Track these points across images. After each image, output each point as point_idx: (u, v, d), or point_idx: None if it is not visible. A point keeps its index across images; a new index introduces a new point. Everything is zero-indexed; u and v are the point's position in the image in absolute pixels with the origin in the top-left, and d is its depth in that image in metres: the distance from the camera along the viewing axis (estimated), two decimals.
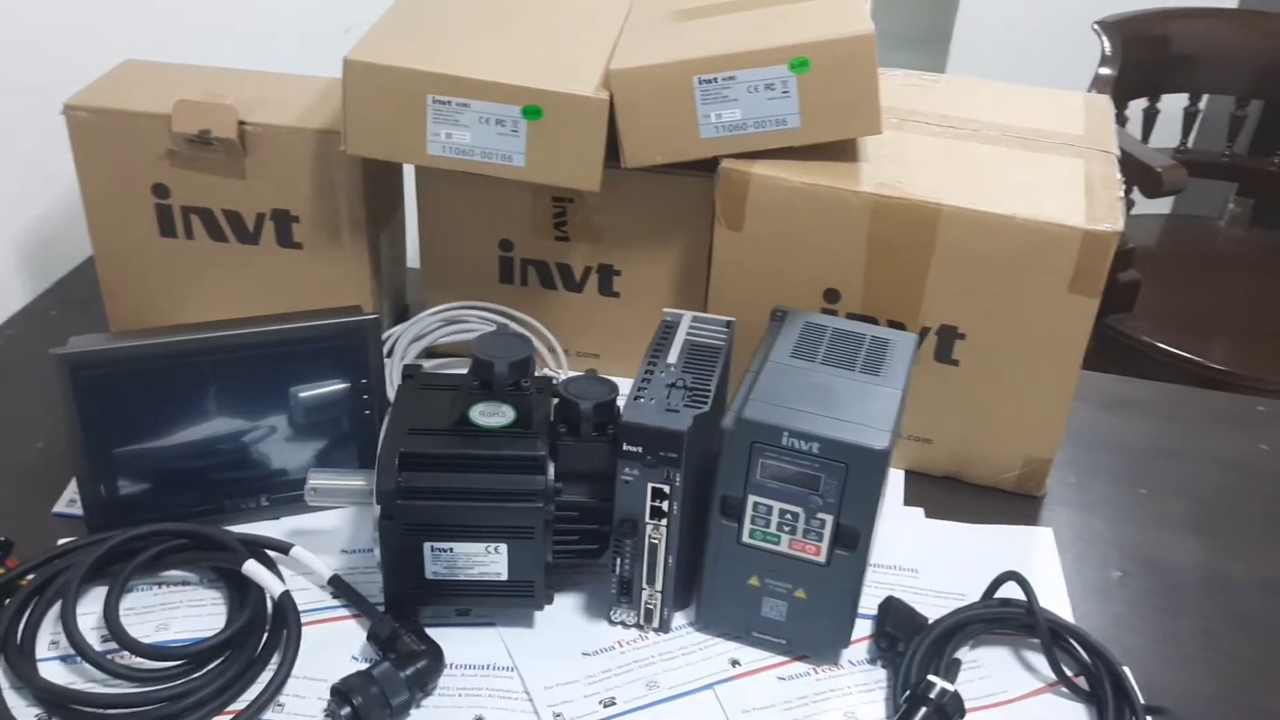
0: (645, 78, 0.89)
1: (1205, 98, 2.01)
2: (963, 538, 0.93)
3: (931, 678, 0.74)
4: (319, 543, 0.88)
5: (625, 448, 0.76)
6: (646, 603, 0.82)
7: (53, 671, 0.77)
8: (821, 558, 0.77)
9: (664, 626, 0.83)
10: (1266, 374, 1.69)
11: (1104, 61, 1.86)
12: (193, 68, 1.08)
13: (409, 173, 1.06)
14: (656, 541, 0.79)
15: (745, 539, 0.78)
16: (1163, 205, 2.23)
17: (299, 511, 0.91)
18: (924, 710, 0.72)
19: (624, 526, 0.79)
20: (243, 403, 0.88)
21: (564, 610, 0.85)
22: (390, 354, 1.03)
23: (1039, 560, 0.90)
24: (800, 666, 0.81)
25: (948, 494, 0.97)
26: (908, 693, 0.75)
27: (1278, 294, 1.93)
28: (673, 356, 0.82)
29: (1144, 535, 0.95)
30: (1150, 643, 0.84)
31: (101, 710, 0.75)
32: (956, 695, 0.73)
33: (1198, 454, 1.05)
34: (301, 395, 0.89)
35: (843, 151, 0.93)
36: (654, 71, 0.89)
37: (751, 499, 0.76)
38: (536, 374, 0.81)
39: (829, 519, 0.75)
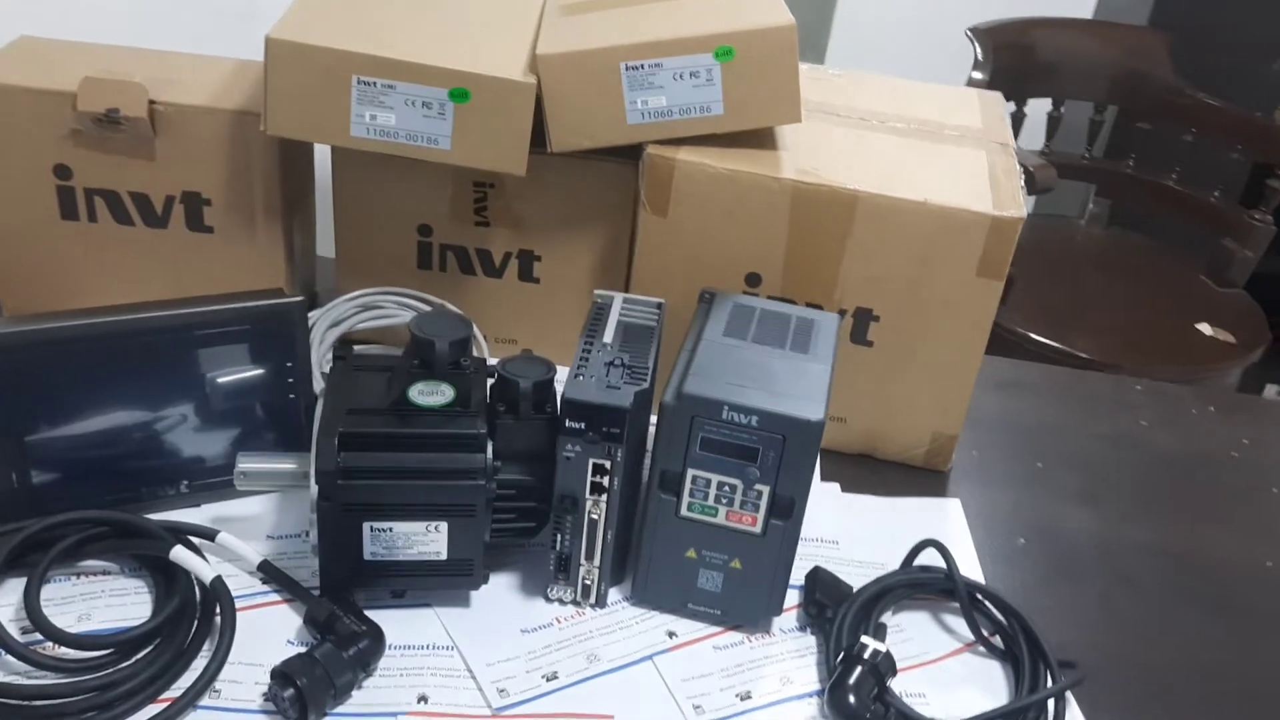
0: (573, 63, 0.90)
1: (1066, 103, 2.12)
2: (878, 510, 0.97)
3: (865, 639, 0.77)
4: (244, 529, 0.87)
5: (568, 424, 0.77)
6: (584, 579, 0.83)
7: None
8: (758, 528, 0.79)
9: (600, 602, 0.84)
10: (1124, 361, 1.80)
11: (976, 66, 1.95)
12: (92, 45, 1.04)
13: (320, 158, 1.04)
14: (596, 517, 0.80)
15: (683, 512, 0.80)
16: (1026, 205, 2.35)
17: (221, 498, 0.90)
18: (859, 670, 0.75)
19: (564, 503, 0.80)
20: (161, 387, 0.85)
21: (499, 590, 0.85)
22: None
23: (950, 530, 0.95)
24: (735, 636, 0.84)
25: (861, 470, 1.01)
26: (841, 654, 0.78)
27: (1133, 289, 2.06)
28: (608, 336, 0.83)
29: (1043, 506, 1.01)
30: (1053, 604, 0.90)
31: (26, 703, 0.72)
32: (888, 654, 0.76)
33: (1085, 430, 1.12)
34: (223, 380, 0.87)
35: (763, 140, 0.96)
36: (582, 57, 0.90)
37: (691, 472, 0.78)
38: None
39: (766, 490, 0.78)
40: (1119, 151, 2.23)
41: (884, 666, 0.76)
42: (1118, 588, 0.93)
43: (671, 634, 0.83)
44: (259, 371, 0.88)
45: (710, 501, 0.79)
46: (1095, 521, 1.00)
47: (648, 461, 0.82)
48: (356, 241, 1.06)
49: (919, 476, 1.02)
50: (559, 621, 0.83)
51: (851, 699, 0.73)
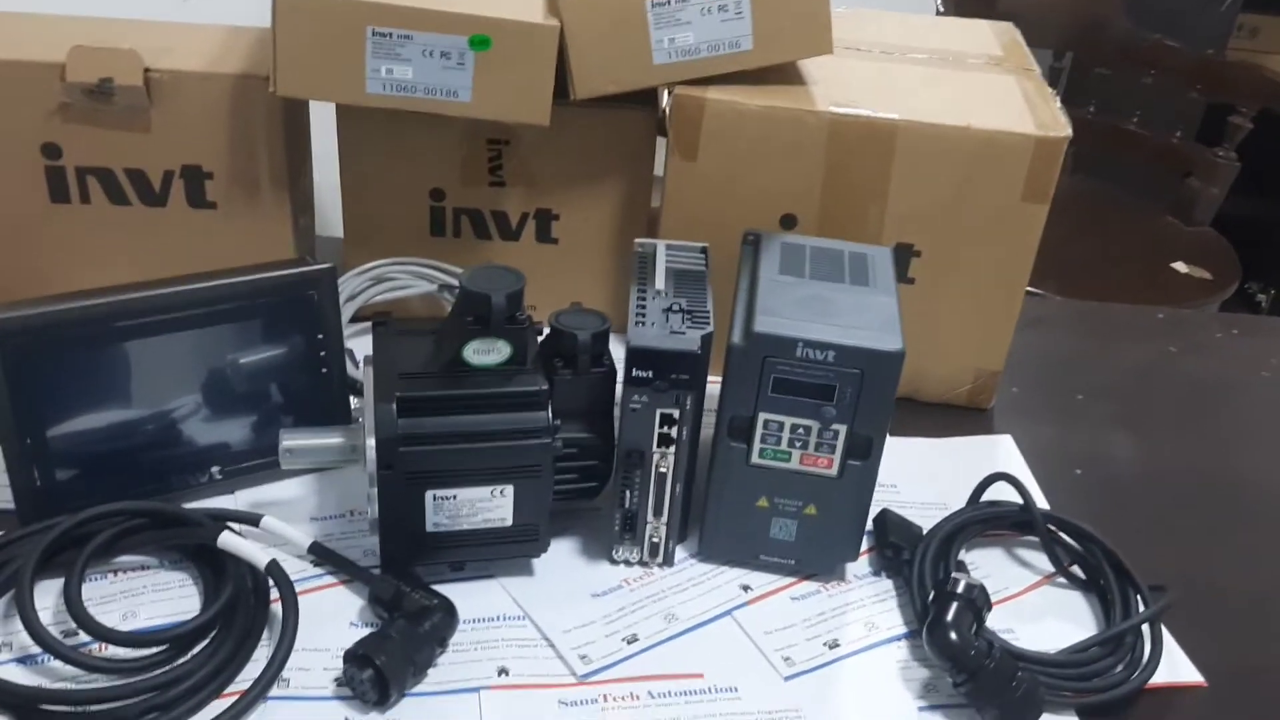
0: (597, 3, 0.87)
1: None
2: (931, 451, 0.95)
3: (956, 575, 0.75)
4: (285, 513, 0.82)
5: (634, 373, 0.74)
6: (651, 536, 0.80)
7: (11, 675, 0.69)
8: (834, 470, 0.76)
9: (668, 560, 0.81)
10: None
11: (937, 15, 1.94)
12: (69, 17, 0.98)
13: (320, 122, 0.99)
14: (665, 470, 0.77)
15: (755, 460, 0.77)
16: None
17: (256, 483, 0.85)
18: (955, 605, 0.72)
19: (631, 458, 0.76)
20: (185, 369, 0.80)
21: (561, 556, 0.81)
22: None
23: (1006, 465, 0.93)
24: (810, 585, 0.81)
25: (903, 414, 0.98)
26: (932, 593, 0.75)
27: (1103, 234, 2.07)
28: (660, 283, 0.80)
29: (1090, 437, 0.99)
30: (1118, 532, 0.88)
31: (80, 708, 0.67)
32: (983, 588, 0.74)
33: (1116, 361, 1.11)
34: (250, 358, 0.83)
35: (789, 76, 0.93)
36: None
37: (763, 417, 0.75)
38: None
39: (843, 429, 0.75)
40: (1079, 98, 2.23)
41: (980, 600, 0.73)
42: (1177, 513, 0.92)
43: (746, 587, 0.80)
44: (288, 347, 0.84)
45: (783, 446, 0.76)
46: (1143, 449, 0.98)
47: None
48: (365, 211, 1.01)
49: (962, 416, 1.00)
50: (628, 583, 0.80)
51: (953, 635, 0.71)
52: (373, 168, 0.99)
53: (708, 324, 0.75)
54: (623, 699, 0.71)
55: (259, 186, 0.96)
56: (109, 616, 0.73)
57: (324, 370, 0.85)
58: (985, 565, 0.84)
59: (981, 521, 0.84)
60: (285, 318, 0.82)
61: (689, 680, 0.73)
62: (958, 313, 0.95)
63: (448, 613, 0.73)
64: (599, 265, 1.03)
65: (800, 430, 0.75)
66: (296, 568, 0.78)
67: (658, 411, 0.75)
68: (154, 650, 0.70)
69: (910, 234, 0.93)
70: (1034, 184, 0.89)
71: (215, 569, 0.76)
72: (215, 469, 0.83)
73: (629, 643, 0.75)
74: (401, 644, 0.69)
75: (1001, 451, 0.96)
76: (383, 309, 1.00)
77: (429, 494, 0.74)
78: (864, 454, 0.76)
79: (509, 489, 0.75)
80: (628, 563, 0.81)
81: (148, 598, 0.75)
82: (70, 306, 0.76)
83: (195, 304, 0.79)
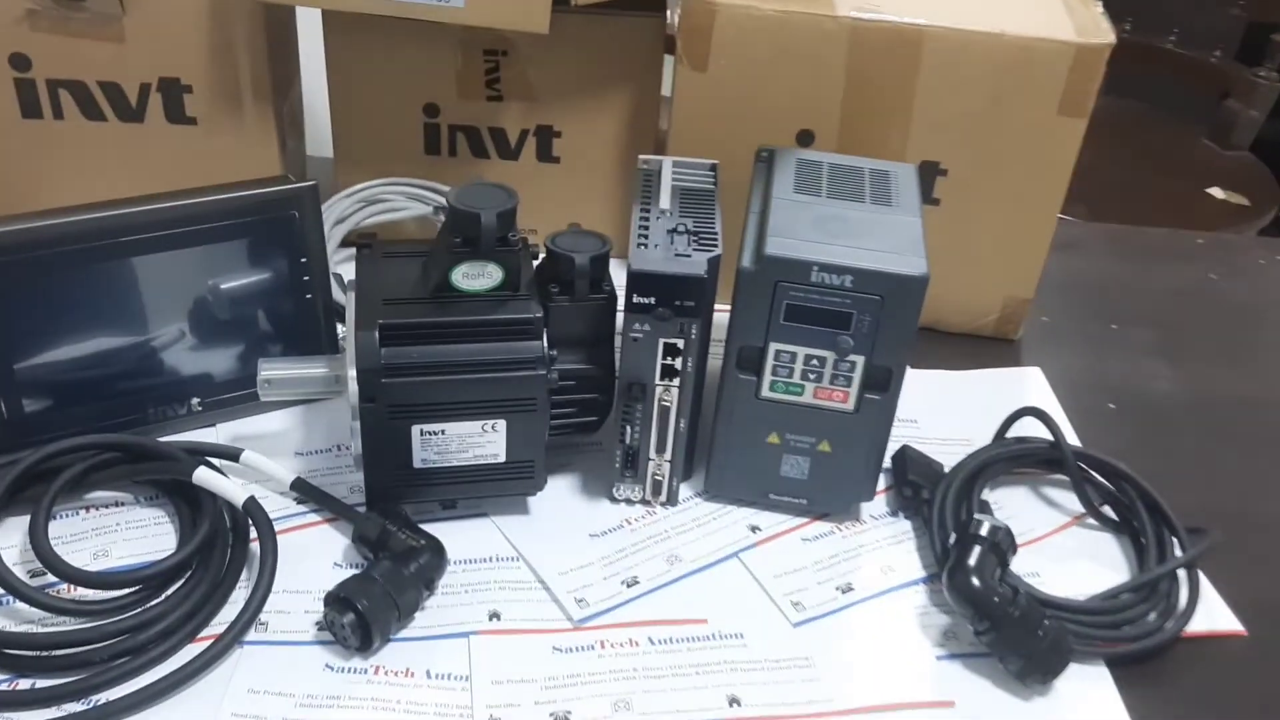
0: None
1: None
2: (954, 384, 0.90)
3: (979, 516, 0.70)
4: (268, 447, 0.78)
5: (635, 300, 0.68)
6: (654, 474, 0.75)
7: None
8: (850, 404, 0.71)
9: (672, 499, 0.76)
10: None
11: None
12: None
13: (309, 35, 0.93)
14: (668, 404, 0.72)
15: (765, 393, 0.72)
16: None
17: (237, 416, 0.80)
18: (979, 548, 0.68)
19: (632, 390, 0.71)
20: (161, 294, 0.76)
21: (559, 493, 0.77)
22: None
23: (1035, 399, 0.87)
24: (822, 526, 0.76)
25: (925, 344, 0.91)
26: (954, 535, 0.70)
27: (1137, 157, 1.99)
28: (664, 202, 0.74)
29: (1125, 368, 0.94)
30: (1154, 468, 0.82)
31: (44, 653, 0.63)
32: (1008, 530, 0.69)
33: (1153, 286, 1.04)
34: (230, 283, 0.78)
35: None
36: None
37: (774, 347, 0.70)
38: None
39: (860, 360, 0.69)
40: (1115, 16, 2.13)
41: (1005, 543, 0.68)
42: (1217, 445, 0.86)
43: (755, 528, 0.75)
44: (270, 271, 0.79)
45: (796, 378, 0.71)
46: (1182, 379, 0.93)
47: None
48: (355, 128, 0.95)
49: (988, 347, 0.94)
50: (629, 523, 0.75)
51: (975, 581, 0.66)
52: (362, 82, 0.93)
53: (715, 246, 0.70)
54: (621, 645, 0.67)
55: (241, 101, 0.90)
56: (79, 555, 0.69)
57: (308, 296, 0.80)
58: (1010, 505, 0.79)
59: (1007, 459, 0.79)
60: (266, 239, 0.77)
61: (692, 626, 0.68)
62: (986, 235, 0.89)
63: (436, 553, 0.68)
64: (603, 186, 0.97)
65: (814, 361, 0.70)
66: (278, 505, 0.74)
67: (660, 341, 0.69)
68: (125, 592, 0.66)
69: (937, 150, 0.86)
70: (1072, 96, 0.82)
71: (192, 506, 0.72)
72: (195, 400, 0.79)
73: (629, 586, 0.70)
74: (385, 587, 0.65)
75: (1030, 384, 0.90)
76: (374, 233, 0.95)
77: (415, 428, 0.69)
78: (883, 387, 0.70)
79: (501, 424, 0.70)
80: (629, 501, 0.76)
81: (121, 535, 0.71)
82: (36, 226, 0.71)
83: (169, 224, 0.74)
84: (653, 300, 0.68)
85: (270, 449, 0.77)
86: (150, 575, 0.67)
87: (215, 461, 0.75)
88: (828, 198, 0.73)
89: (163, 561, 0.67)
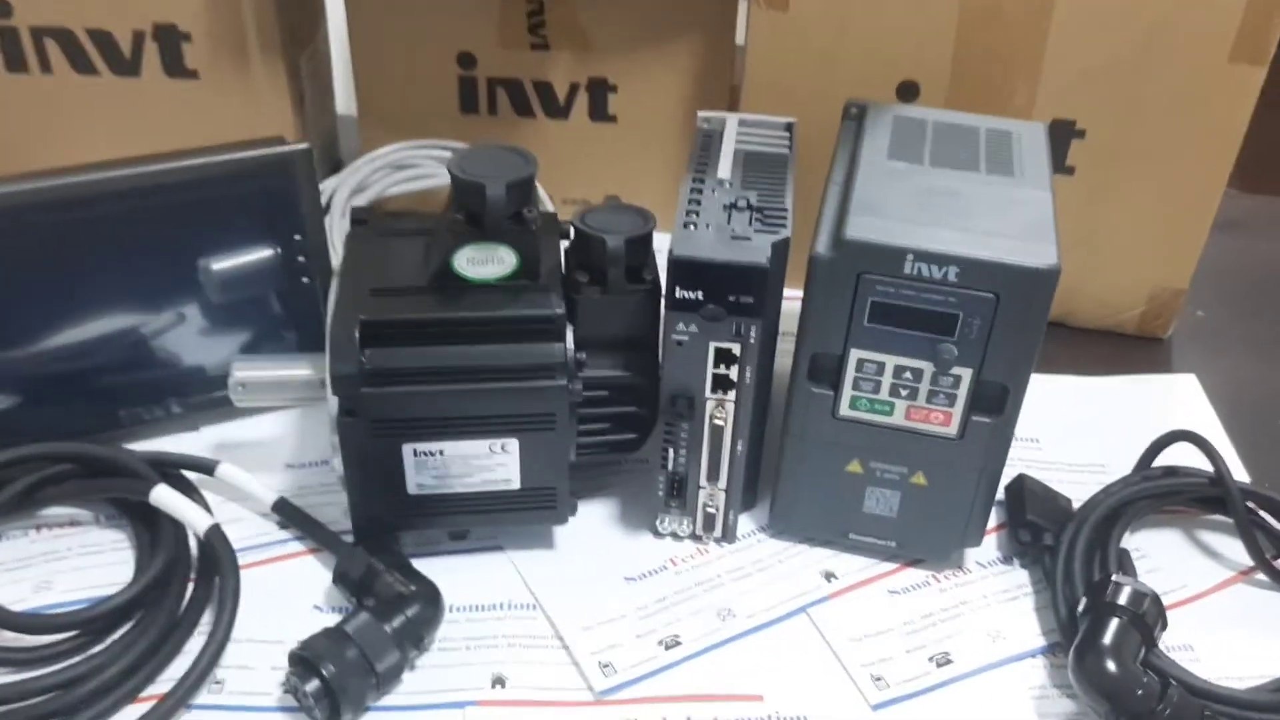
0: None
1: None
2: (1087, 395, 0.74)
3: (1118, 577, 0.54)
4: (255, 457, 0.66)
5: (679, 294, 0.54)
6: (705, 505, 0.61)
7: None
8: (952, 429, 0.56)
9: (728, 535, 0.62)
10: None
11: None
12: None
13: None
14: (721, 422, 0.58)
15: (844, 411, 0.57)
16: None
17: (224, 419, 0.69)
18: (1116, 622, 0.52)
19: (677, 405, 0.57)
20: (139, 276, 0.64)
21: (591, 524, 0.63)
22: (327, 211, 0.80)
23: (1189, 417, 0.71)
24: (915, 574, 0.61)
25: (1052, 342, 0.75)
26: (1084, 600, 0.55)
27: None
28: (724, 170, 0.59)
29: None
30: None
31: None
32: (1155, 597, 0.53)
33: None
34: (218, 264, 0.66)
35: None
36: None
37: (855, 355, 0.55)
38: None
39: (967, 374, 0.54)
40: None
41: (1152, 615, 0.53)
42: None
43: (829, 575, 0.61)
44: (260, 251, 0.67)
45: (884, 394, 0.56)
46: None
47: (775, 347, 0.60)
48: (382, 82, 0.83)
49: (1131, 348, 0.78)
50: (674, 563, 0.61)
51: (1112, 666, 0.51)
52: (388, 29, 0.80)
53: (784, 226, 0.55)
54: None
55: (247, 52, 0.78)
56: (19, 587, 0.59)
57: (304, 280, 0.68)
58: (1157, 555, 0.63)
59: (1154, 495, 0.63)
60: (254, 213, 0.65)
61: (744, 704, 0.54)
62: (1132, 212, 0.73)
63: (428, 602, 0.56)
64: (667, 151, 0.83)
65: (907, 374, 0.55)
66: (257, 531, 0.62)
67: (711, 345, 0.55)
68: (58, 638, 0.55)
69: (1070, 106, 0.70)
70: (1248, 39, 0.65)
71: (152, 531, 0.60)
72: (173, 401, 0.68)
73: (668, 648, 0.57)
74: (360, 646, 0.52)
75: (1182, 396, 0.73)
76: (402, 204, 0.83)
77: (408, 448, 0.56)
78: (996, 408, 0.55)
79: (513, 444, 0.57)
80: (675, 537, 0.63)
81: (70, 564, 0.60)
82: None
83: (137, 193, 0.62)
84: (700, 295, 0.54)
85: (257, 460, 0.66)
86: (90, 617, 0.56)
87: (190, 475, 0.64)
88: (931, 166, 0.58)
89: (107, 601, 0.56)
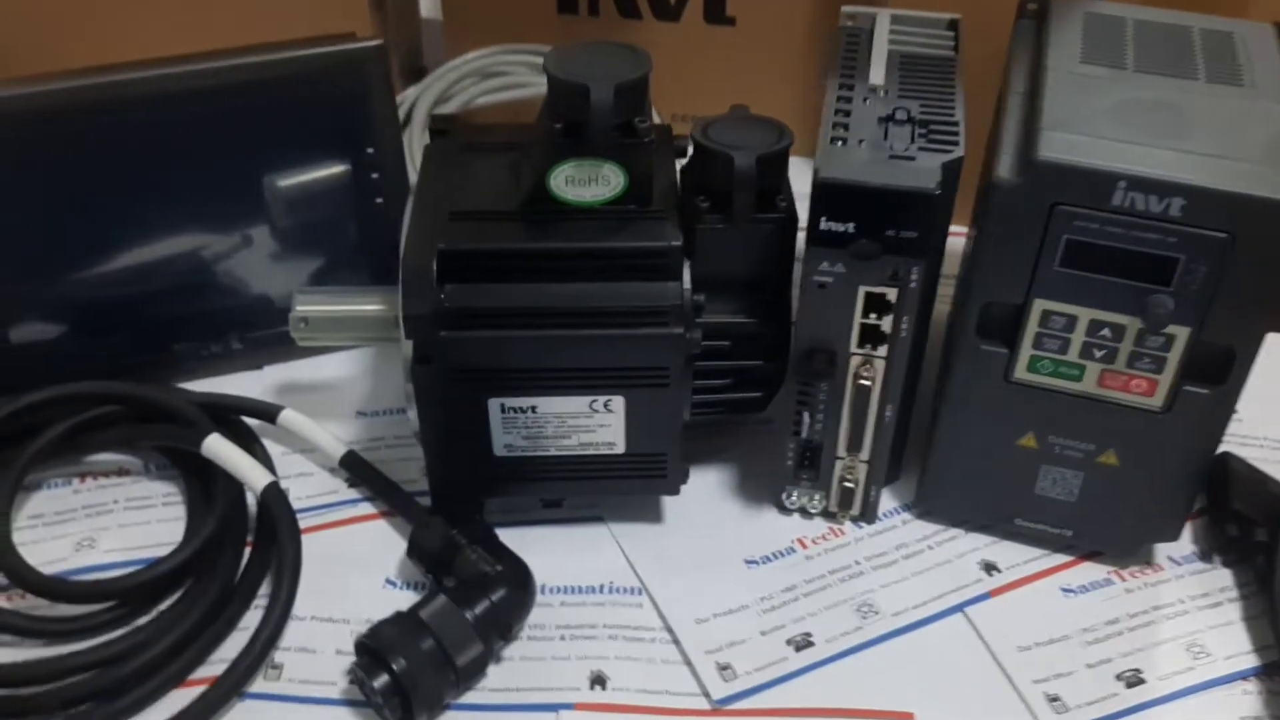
0: None
1: None
2: None
3: None
4: (323, 402, 0.58)
5: (824, 225, 0.44)
6: (843, 478, 0.51)
7: None
8: (1157, 399, 0.46)
9: (868, 515, 0.53)
10: None
11: None
12: None
13: None
14: (868, 383, 0.48)
15: (1021, 374, 0.47)
16: None
17: (290, 356, 0.61)
18: None
19: (814, 360, 0.48)
20: (195, 192, 0.57)
21: (707, 495, 0.55)
22: (408, 125, 0.71)
23: None
24: (1094, 570, 0.51)
25: None
26: None
27: None
28: (877, 75, 0.49)
29: None
30: None
31: None
32: None
33: None
34: (283, 181, 0.58)
35: None
36: None
37: (1040, 306, 0.45)
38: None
39: (1183, 334, 0.44)
40: None
41: None
42: None
43: (990, 567, 0.51)
44: (329, 167, 0.58)
45: (1073, 355, 0.46)
46: None
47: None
48: None
49: None
50: (804, 545, 0.52)
51: None
52: None
53: (955, 145, 0.45)
54: None
55: None
56: (58, 545, 0.52)
57: (379, 200, 0.59)
58: None
59: None
60: (321, 121, 0.57)
61: None
62: None
63: (517, 585, 0.47)
64: (793, 59, 0.73)
65: (1105, 332, 0.45)
66: (323, 488, 0.55)
67: (861, 290, 0.45)
68: (98, 607, 0.48)
69: None
70: None
71: (206, 485, 0.53)
72: (233, 336, 0.60)
73: (798, 649, 0.48)
74: (437, 637, 0.44)
75: None
76: (492, 116, 0.73)
77: (494, 402, 0.47)
78: (1216, 376, 0.44)
79: (619, 401, 0.48)
80: (805, 513, 0.53)
81: (116, 519, 0.53)
82: (23, 94, 0.52)
83: (186, 95, 0.54)
84: (851, 228, 0.44)
85: (325, 405, 0.58)
86: (133, 585, 0.49)
87: (250, 422, 0.56)
88: (1136, 71, 0.47)
89: (153, 567, 0.49)
